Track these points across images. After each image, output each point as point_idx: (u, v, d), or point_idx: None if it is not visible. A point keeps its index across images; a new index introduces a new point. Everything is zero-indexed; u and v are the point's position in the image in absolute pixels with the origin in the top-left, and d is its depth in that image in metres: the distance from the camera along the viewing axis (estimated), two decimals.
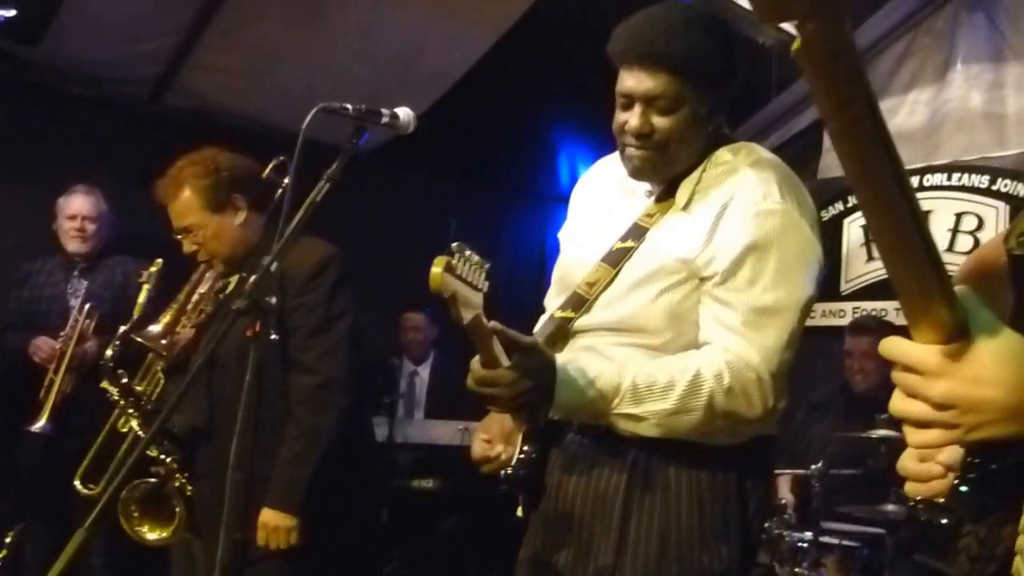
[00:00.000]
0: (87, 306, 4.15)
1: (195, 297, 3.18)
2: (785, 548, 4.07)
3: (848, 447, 4.33)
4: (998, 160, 5.14)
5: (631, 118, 1.94)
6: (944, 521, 1.02)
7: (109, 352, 3.12)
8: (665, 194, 2.02)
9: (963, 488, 1.01)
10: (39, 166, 4.68)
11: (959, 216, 5.22)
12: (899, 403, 0.99)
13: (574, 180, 2.34)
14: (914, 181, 5.29)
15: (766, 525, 3.91)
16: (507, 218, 6.35)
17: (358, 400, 2.86)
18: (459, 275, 1.70)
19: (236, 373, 2.35)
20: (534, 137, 5.94)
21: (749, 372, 1.84)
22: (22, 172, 4.68)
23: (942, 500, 1.03)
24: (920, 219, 0.89)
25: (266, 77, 4.90)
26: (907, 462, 1.09)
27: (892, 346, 0.98)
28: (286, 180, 2.68)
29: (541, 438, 2.01)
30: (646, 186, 2.06)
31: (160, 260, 3.46)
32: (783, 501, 4.28)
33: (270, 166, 2.89)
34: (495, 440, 2.05)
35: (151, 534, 2.92)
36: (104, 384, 3.11)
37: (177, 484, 2.87)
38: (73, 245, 4.30)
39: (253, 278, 2.09)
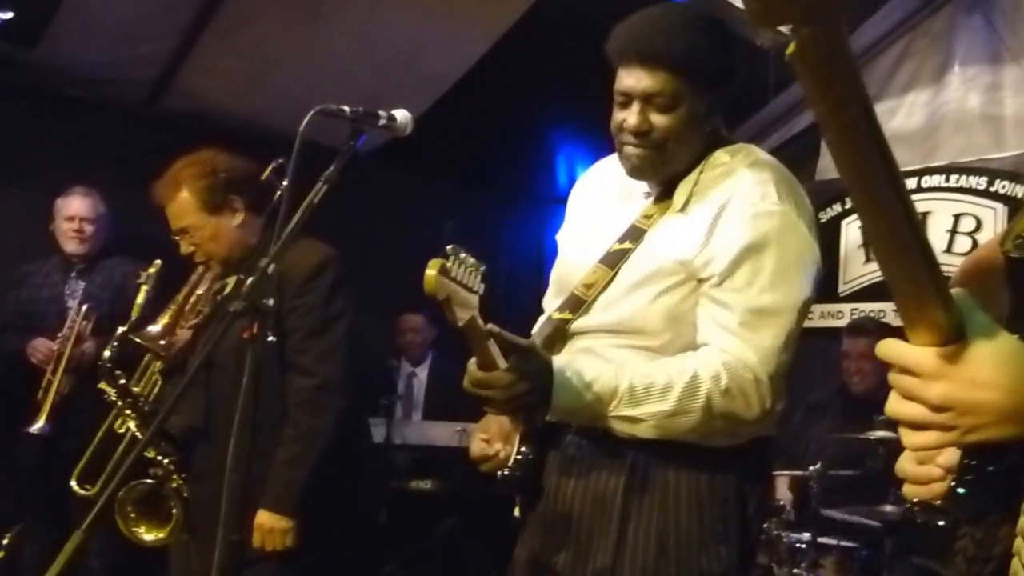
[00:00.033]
0: (85, 307, 4.15)
1: (193, 298, 3.19)
2: (783, 549, 4.07)
3: (846, 448, 4.33)
4: (996, 162, 5.14)
5: (629, 116, 1.94)
6: (940, 523, 1.03)
7: (107, 353, 3.12)
8: (663, 196, 2.02)
9: (960, 490, 1.01)
10: (37, 168, 4.68)
11: (957, 217, 5.23)
12: (895, 405, 0.99)
13: (572, 182, 2.34)
14: (912, 182, 5.29)
15: (765, 526, 3.91)
16: (505, 220, 6.35)
17: (356, 402, 2.86)
18: (454, 277, 1.69)
19: (233, 374, 2.35)
20: (533, 139, 5.93)
21: (747, 373, 1.84)
22: (20, 174, 4.68)
23: (939, 502, 1.03)
24: (916, 222, 0.89)
25: (264, 79, 4.90)
26: (906, 464, 1.09)
27: (889, 348, 0.98)
28: (284, 182, 2.69)
29: (538, 439, 2.01)
30: (644, 188, 2.06)
31: (159, 261, 3.46)
32: (781, 502, 4.28)
33: (269, 168, 2.89)
34: (493, 439, 2.05)
35: (148, 535, 2.92)
36: (102, 385, 3.11)
37: (174, 485, 2.87)
38: (71, 246, 4.30)
39: (250, 280, 2.09)
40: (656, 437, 1.87)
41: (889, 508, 3.85)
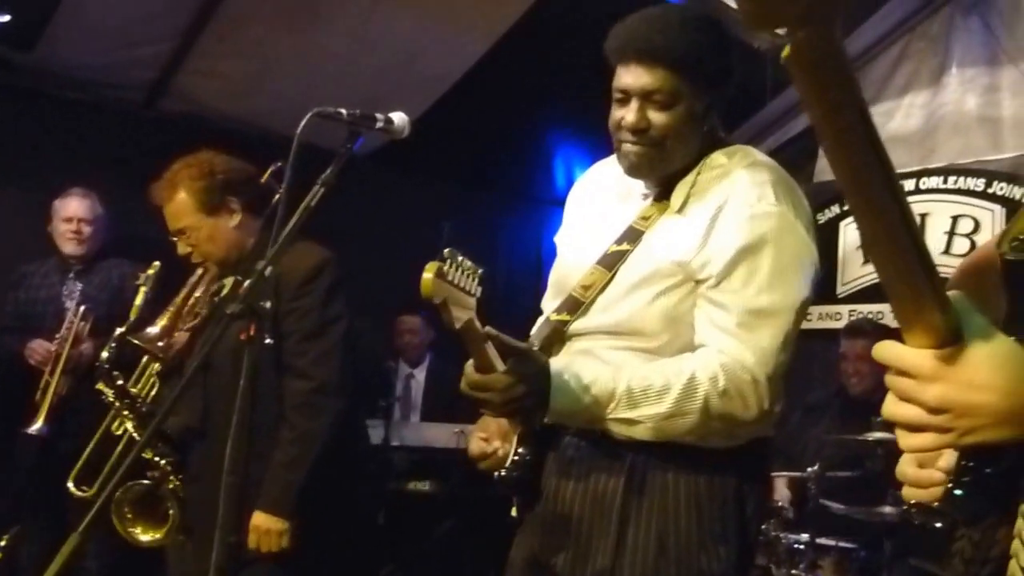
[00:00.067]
0: (83, 308, 4.15)
1: (191, 301, 3.18)
2: (782, 550, 4.08)
3: (844, 449, 4.33)
4: (994, 163, 5.15)
5: (628, 113, 1.94)
6: (938, 525, 1.03)
7: (105, 354, 3.12)
8: (660, 197, 2.02)
9: (957, 492, 1.01)
10: (36, 169, 4.68)
11: (955, 219, 5.23)
12: (892, 407, 0.99)
13: (570, 183, 2.34)
14: (910, 184, 5.30)
15: (763, 527, 3.91)
16: (504, 221, 6.35)
17: (353, 404, 2.86)
18: (451, 280, 1.69)
19: (231, 376, 2.35)
20: (531, 140, 5.93)
21: (744, 374, 1.84)
22: (18, 175, 4.68)
23: (936, 504, 1.04)
24: (912, 224, 0.89)
25: (263, 81, 4.90)
26: (906, 467, 1.09)
27: (886, 350, 0.98)
28: (283, 185, 2.69)
29: (536, 440, 2.01)
30: (642, 189, 2.06)
31: (157, 263, 3.46)
32: (780, 503, 4.28)
33: (268, 172, 2.90)
34: (492, 438, 2.05)
35: (144, 536, 2.92)
36: (99, 386, 3.11)
37: (171, 486, 2.87)
38: (69, 247, 4.30)
39: (248, 282, 2.09)
40: (654, 439, 1.87)
41: (887, 509, 3.85)
